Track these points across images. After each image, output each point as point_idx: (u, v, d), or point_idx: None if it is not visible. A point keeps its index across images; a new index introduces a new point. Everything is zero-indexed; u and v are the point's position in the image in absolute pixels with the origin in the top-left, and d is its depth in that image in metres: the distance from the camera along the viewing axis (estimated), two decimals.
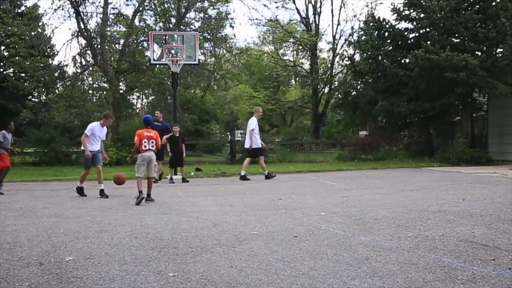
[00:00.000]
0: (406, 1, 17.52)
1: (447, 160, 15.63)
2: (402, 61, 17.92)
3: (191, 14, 23.42)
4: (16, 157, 19.31)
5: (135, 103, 40.28)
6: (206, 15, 23.00)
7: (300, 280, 3.28)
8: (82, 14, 20.67)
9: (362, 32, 20.58)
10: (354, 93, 22.55)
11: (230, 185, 10.50)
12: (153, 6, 22.54)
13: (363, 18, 31.10)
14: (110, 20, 22.29)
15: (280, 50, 35.43)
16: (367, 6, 42.37)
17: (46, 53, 22.77)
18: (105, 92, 23.43)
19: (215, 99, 29.50)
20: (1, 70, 22.66)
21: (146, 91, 31.30)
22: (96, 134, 8.97)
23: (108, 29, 22.67)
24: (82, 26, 20.81)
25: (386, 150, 18.57)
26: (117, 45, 23.95)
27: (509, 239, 4.41)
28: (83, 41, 21.37)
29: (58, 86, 23.41)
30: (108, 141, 19.13)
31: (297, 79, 37.26)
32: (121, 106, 21.99)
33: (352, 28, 37.64)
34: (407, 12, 17.92)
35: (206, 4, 22.92)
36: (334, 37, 30.28)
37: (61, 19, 59.77)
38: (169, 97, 24.42)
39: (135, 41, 22.47)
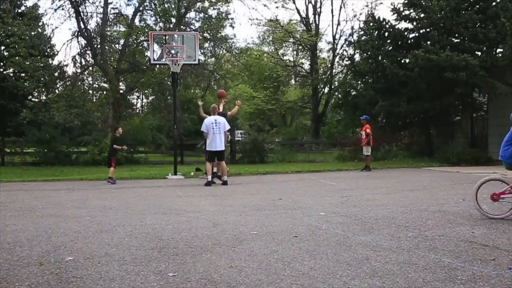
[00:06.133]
0: (406, 1, 17.54)
1: (447, 160, 15.62)
2: (402, 61, 17.93)
3: (191, 14, 23.44)
4: (16, 157, 19.35)
5: (135, 103, 40.32)
6: (206, 15, 23.00)
7: (300, 280, 3.28)
8: (82, 14, 20.68)
9: (362, 32, 20.61)
10: (354, 93, 22.56)
11: (230, 185, 10.49)
12: (153, 6, 22.55)
13: (363, 18, 31.06)
14: (110, 20, 22.30)
15: (280, 50, 35.41)
16: (367, 6, 42.37)
17: (46, 53, 22.77)
18: (105, 92, 23.43)
19: (215, 99, 29.45)
20: (1, 70, 22.65)
21: (146, 91, 31.28)
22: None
23: (108, 29, 22.67)
24: (82, 26, 20.81)
25: (386, 150, 18.56)
26: (117, 45, 23.96)
27: (509, 239, 4.41)
28: (83, 41, 21.39)
29: (58, 86, 23.40)
30: (108, 141, 19.14)
31: (297, 79, 37.25)
32: (121, 106, 21.99)
33: (352, 28, 37.73)
34: (407, 12, 17.94)
35: (206, 4, 22.94)
36: (334, 37, 30.30)
37: (61, 19, 59.63)
38: (169, 97, 24.42)
39: (135, 41, 22.47)
